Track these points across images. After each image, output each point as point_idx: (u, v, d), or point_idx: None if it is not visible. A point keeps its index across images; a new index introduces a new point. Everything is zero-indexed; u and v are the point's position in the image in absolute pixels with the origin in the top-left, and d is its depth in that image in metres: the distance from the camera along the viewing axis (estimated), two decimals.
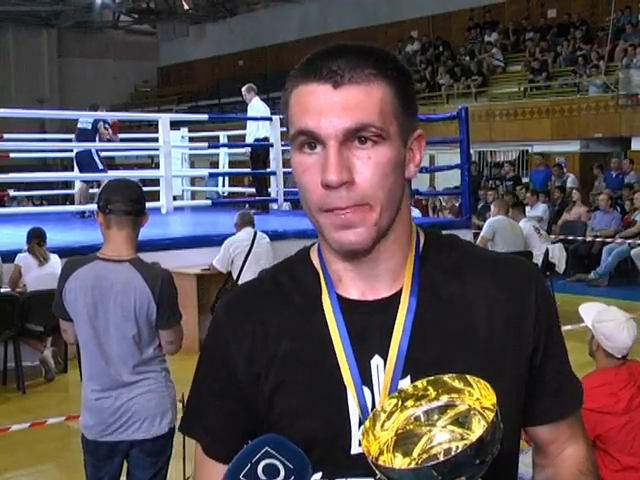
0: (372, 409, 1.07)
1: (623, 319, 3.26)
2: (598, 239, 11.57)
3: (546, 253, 9.22)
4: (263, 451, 1.01)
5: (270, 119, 10.46)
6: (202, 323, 7.53)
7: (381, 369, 1.08)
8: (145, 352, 3.05)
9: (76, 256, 3.32)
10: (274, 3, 26.06)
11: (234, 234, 7.38)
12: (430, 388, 1.02)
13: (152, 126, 10.94)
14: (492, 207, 9.40)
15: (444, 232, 1.21)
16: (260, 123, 10.50)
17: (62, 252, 6.71)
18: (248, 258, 7.21)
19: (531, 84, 17.40)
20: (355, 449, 1.07)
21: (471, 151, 10.77)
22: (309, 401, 1.08)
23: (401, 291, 1.11)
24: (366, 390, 1.08)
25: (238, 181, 15.22)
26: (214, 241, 7.68)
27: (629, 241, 11.18)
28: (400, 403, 1.02)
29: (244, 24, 27.18)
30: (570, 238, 11.65)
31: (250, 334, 1.13)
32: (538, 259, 9.01)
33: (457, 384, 1.01)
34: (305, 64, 1.06)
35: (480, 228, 9.69)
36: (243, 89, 10.89)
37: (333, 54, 1.04)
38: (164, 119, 9.72)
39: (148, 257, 3.22)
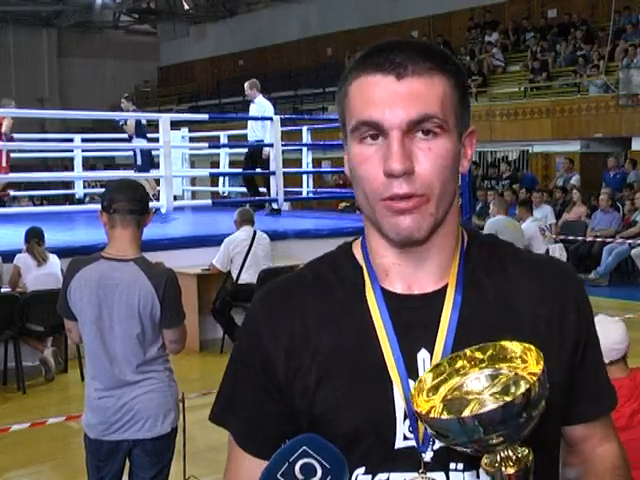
0: None
1: (598, 322, 3.20)
2: (598, 239, 11.57)
3: (546, 253, 9.22)
4: (301, 450, 1.01)
5: (271, 119, 10.44)
6: (202, 323, 7.54)
7: (427, 363, 1.08)
8: (149, 351, 3.05)
9: (80, 256, 3.32)
10: (274, 3, 26.06)
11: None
12: (481, 354, 1.04)
13: (152, 126, 10.93)
14: (491, 206, 9.38)
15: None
16: (266, 123, 10.38)
17: (62, 252, 6.70)
18: (247, 258, 7.22)
19: (531, 84, 17.40)
20: (399, 443, 1.07)
21: None
22: (354, 395, 1.07)
23: (446, 287, 1.12)
24: (412, 383, 1.07)
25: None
26: (214, 241, 7.68)
27: (629, 241, 11.18)
28: (453, 367, 1.04)
29: (244, 24, 27.19)
30: (570, 238, 11.65)
31: (289, 328, 1.11)
32: None
33: (509, 352, 1.03)
34: (365, 57, 1.07)
35: (480, 228, 9.68)
36: (246, 85, 10.62)
37: (394, 48, 1.06)
38: (164, 119, 9.70)
39: (148, 257, 3.22)
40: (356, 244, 1.18)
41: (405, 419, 1.07)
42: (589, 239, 11.74)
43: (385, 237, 1.09)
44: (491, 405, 0.98)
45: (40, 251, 6.61)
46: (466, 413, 0.99)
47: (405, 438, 1.07)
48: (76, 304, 3.04)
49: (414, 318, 1.10)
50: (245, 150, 11.27)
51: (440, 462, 1.07)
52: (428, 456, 1.07)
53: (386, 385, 1.07)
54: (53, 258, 6.67)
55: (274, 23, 25.92)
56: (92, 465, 3.12)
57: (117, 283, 3.00)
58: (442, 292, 1.11)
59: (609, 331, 3.16)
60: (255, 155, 10.58)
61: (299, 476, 1.01)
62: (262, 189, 10.93)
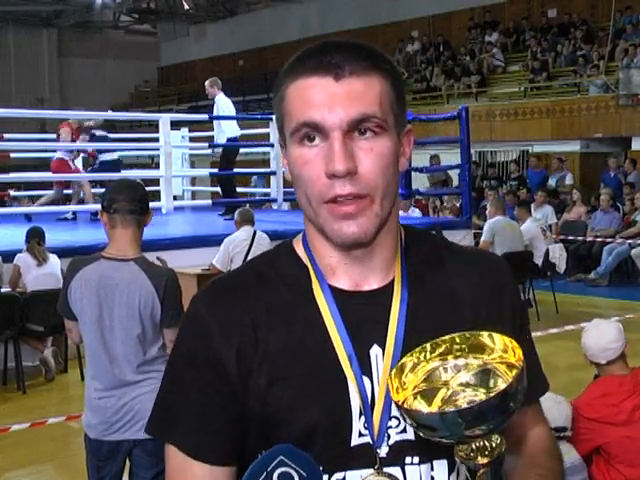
0: (372, 399, 1.08)
1: (592, 325, 3.23)
2: (598, 239, 11.57)
3: (546, 253, 9.22)
4: (278, 460, 1.03)
5: (270, 119, 10.44)
6: None
7: (380, 358, 1.09)
8: (149, 352, 3.05)
9: (80, 256, 3.33)
10: (274, 3, 26.06)
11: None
12: (457, 344, 1.05)
13: (152, 126, 10.92)
14: (488, 207, 9.37)
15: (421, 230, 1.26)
16: (232, 121, 10.21)
17: (62, 252, 6.71)
18: (247, 258, 7.21)
19: (531, 84, 17.40)
20: (355, 441, 1.07)
21: (471, 151, 10.77)
22: (308, 393, 1.07)
23: (393, 282, 1.13)
24: (366, 380, 1.08)
25: (238, 181, 15.20)
26: (214, 241, 7.68)
27: (629, 241, 11.18)
28: (427, 356, 1.05)
29: (244, 24, 27.18)
30: (570, 238, 11.65)
31: (239, 327, 1.09)
32: (539, 259, 9.00)
33: (483, 341, 1.04)
34: (300, 60, 1.07)
35: (480, 228, 9.68)
36: (207, 83, 10.22)
37: (329, 49, 1.06)
38: (164, 119, 9.72)
39: (149, 257, 3.22)
40: (297, 242, 1.18)
41: (360, 416, 1.07)
42: (589, 239, 11.74)
43: (328, 239, 1.09)
44: (470, 398, 0.99)
45: (40, 251, 6.61)
46: (440, 402, 1.01)
47: (360, 435, 1.07)
48: (76, 304, 3.04)
49: (364, 314, 1.10)
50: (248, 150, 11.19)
51: (396, 457, 1.07)
52: (383, 451, 1.07)
53: (341, 382, 1.08)
54: (53, 258, 6.68)
55: (274, 23, 25.91)
56: (92, 465, 3.12)
57: (117, 283, 3.01)
58: (389, 288, 1.12)
59: (604, 332, 3.17)
60: (231, 155, 10.37)
61: None
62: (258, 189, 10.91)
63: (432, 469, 1.09)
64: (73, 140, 9.93)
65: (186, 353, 1.12)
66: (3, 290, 6.57)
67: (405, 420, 1.04)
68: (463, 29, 21.09)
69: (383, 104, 1.05)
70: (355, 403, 1.07)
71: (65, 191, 10.54)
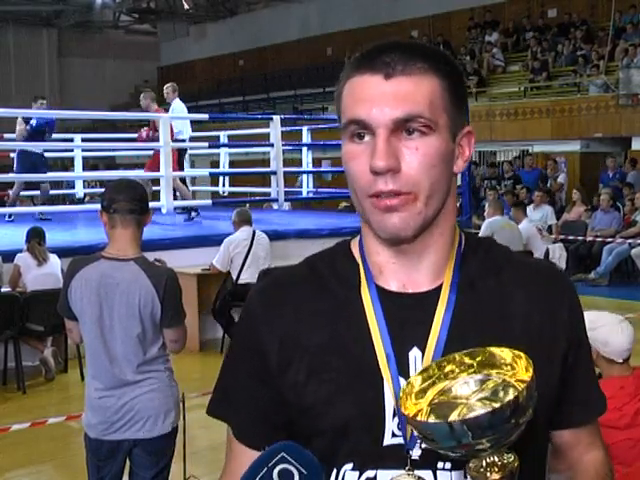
0: None
1: (616, 321, 3.18)
2: (598, 239, 11.57)
3: (546, 253, 9.22)
4: (279, 456, 1.04)
5: (271, 119, 10.43)
6: (202, 323, 7.54)
7: (419, 361, 1.09)
8: (149, 351, 3.06)
9: (80, 256, 3.33)
10: (274, 3, 26.07)
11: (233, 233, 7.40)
12: (471, 360, 1.04)
13: None
14: (487, 207, 9.37)
15: None
16: (187, 123, 10.36)
17: (62, 252, 6.71)
18: (247, 258, 7.22)
19: (531, 84, 17.40)
20: (388, 440, 1.08)
21: None
22: (344, 390, 1.09)
23: (441, 287, 1.12)
24: (402, 381, 1.08)
25: (238, 181, 15.21)
26: (214, 241, 7.68)
27: (629, 241, 11.18)
28: (442, 371, 1.04)
29: (244, 24, 27.19)
30: (570, 238, 11.65)
31: (283, 321, 1.14)
32: None
33: (499, 358, 1.03)
34: (359, 57, 1.09)
35: (480, 228, 9.69)
36: (167, 87, 10.39)
37: (387, 48, 1.07)
38: (164, 119, 9.70)
39: (148, 257, 3.22)
40: (354, 241, 1.19)
41: (394, 416, 1.08)
42: (589, 239, 11.75)
43: (376, 235, 1.11)
44: (480, 410, 0.97)
45: (41, 251, 6.62)
46: (454, 417, 0.99)
47: (394, 435, 1.08)
48: (77, 304, 3.04)
49: (407, 317, 1.11)
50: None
51: (428, 460, 1.07)
52: (416, 454, 1.07)
53: (377, 382, 1.08)
54: (53, 258, 6.68)
55: (274, 23, 25.92)
56: (92, 465, 3.12)
57: (118, 282, 3.01)
58: (436, 292, 1.12)
59: (623, 330, 3.13)
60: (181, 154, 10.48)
61: None
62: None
63: (465, 476, 1.08)
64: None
65: (239, 340, 1.20)
66: (3, 290, 6.57)
67: (414, 432, 1.03)
68: (463, 29, 21.10)
69: (433, 105, 1.05)
70: (389, 403, 1.08)
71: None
